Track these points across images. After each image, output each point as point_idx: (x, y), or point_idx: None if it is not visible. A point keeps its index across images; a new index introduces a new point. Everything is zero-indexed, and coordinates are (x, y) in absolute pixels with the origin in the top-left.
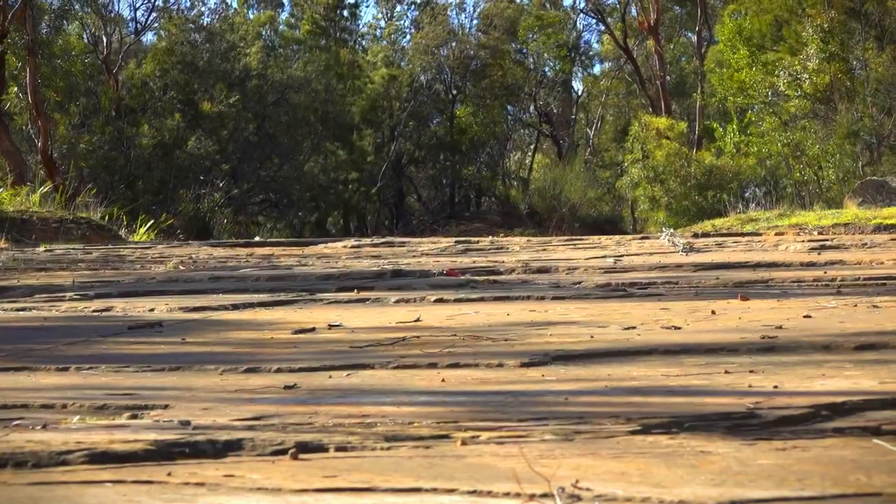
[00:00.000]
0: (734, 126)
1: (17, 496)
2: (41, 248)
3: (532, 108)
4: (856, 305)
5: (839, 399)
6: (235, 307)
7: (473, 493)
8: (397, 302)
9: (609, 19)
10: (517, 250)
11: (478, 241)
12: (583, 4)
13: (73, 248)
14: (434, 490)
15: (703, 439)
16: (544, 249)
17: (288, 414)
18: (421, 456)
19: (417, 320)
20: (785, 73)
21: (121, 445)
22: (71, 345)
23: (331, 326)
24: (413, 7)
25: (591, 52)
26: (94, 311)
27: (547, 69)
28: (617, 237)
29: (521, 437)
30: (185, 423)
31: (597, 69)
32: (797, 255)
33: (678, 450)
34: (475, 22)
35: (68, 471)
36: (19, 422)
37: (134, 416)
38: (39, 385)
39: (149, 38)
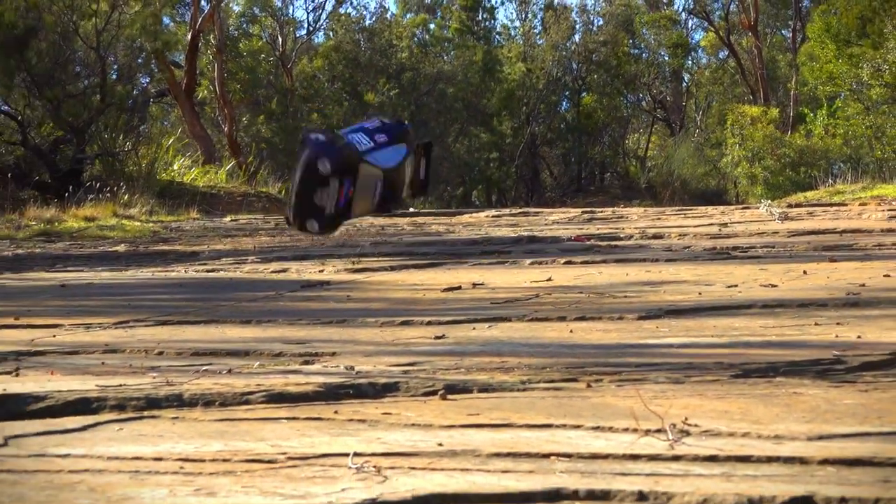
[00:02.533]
0: (823, 111)
1: (207, 430)
2: (227, 218)
3: (648, 95)
4: None
5: None
6: (392, 268)
7: (597, 428)
8: (531, 264)
9: (714, 17)
10: (635, 219)
11: (601, 212)
12: (691, 5)
13: (255, 218)
14: (563, 426)
15: (795, 383)
16: (658, 218)
17: (437, 361)
18: (552, 397)
19: (549, 280)
20: (868, 65)
21: (294, 388)
22: (252, 301)
23: (474, 285)
24: (541, 10)
25: (698, 47)
26: (272, 272)
27: (662, 60)
28: (721, 208)
29: (638, 381)
30: (350, 369)
31: (703, 61)
32: (878, 223)
33: (774, 392)
34: (597, 20)
35: (249, 409)
36: (208, 367)
37: (306, 363)
38: (225, 336)
39: (318, 37)
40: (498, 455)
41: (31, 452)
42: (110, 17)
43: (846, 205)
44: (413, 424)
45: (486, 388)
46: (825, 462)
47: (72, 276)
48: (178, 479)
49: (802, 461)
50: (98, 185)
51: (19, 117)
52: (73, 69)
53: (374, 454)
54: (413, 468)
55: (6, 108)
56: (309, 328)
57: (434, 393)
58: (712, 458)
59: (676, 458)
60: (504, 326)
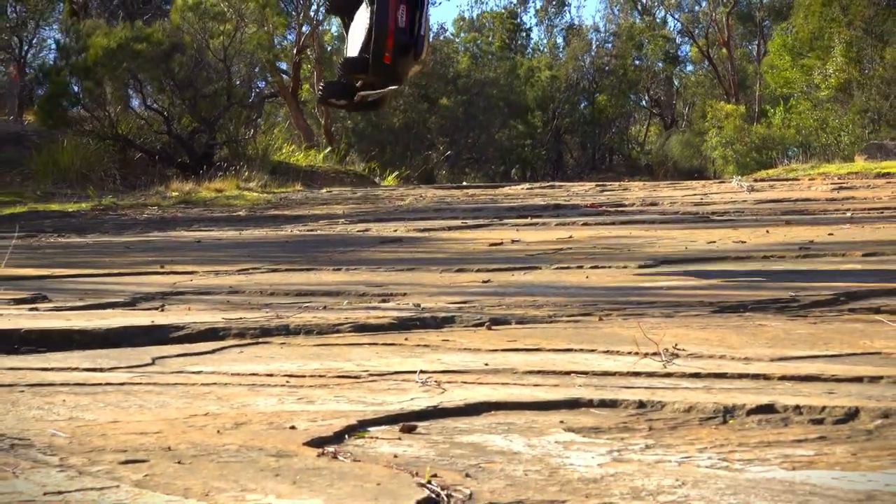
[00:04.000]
0: (781, 108)
1: (306, 353)
2: (323, 190)
3: (646, 96)
4: (863, 227)
5: (852, 289)
6: (450, 228)
7: (607, 352)
8: (556, 225)
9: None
10: (636, 191)
11: (610, 185)
12: (681, 26)
13: (344, 190)
14: (581, 350)
15: (760, 317)
16: (654, 190)
17: (484, 300)
18: (572, 327)
19: (570, 237)
20: (817, 72)
21: (374, 320)
22: (342, 253)
23: (513, 241)
24: (563, 31)
25: (686, 59)
26: (357, 231)
27: (658, 68)
28: (703, 182)
29: (639, 316)
30: (417, 306)
31: (689, 69)
32: (823, 194)
33: (744, 324)
34: (609, 36)
35: (340, 337)
36: (308, 304)
37: (383, 301)
38: (321, 280)
39: None
40: (530, 372)
41: (172, 370)
42: (234, 36)
43: (798, 180)
44: (465, 349)
45: (521, 321)
46: (783, 378)
47: (204, 234)
48: (284, 390)
49: (766, 377)
50: (225, 164)
51: (165, 113)
52: (206, 76)
53: (435, 371)
54: (465, 382)
55: (155, 105)
56: (386, 274)
57: (482, 325)
58: (696, 375)
59: (668, 375)
60: (535, 273)
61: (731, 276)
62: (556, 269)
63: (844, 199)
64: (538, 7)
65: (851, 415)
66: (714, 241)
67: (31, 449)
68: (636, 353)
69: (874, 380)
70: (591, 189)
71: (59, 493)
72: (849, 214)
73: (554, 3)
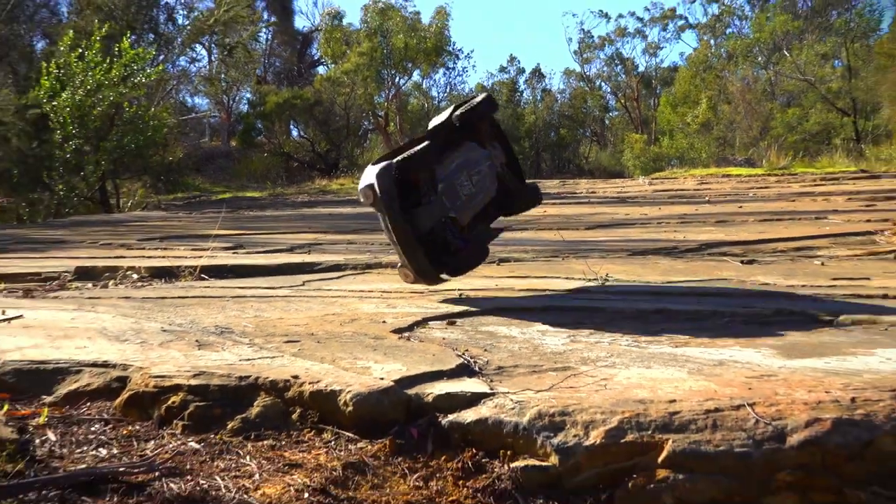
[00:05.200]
0: (667, 137)
1: (393, 279)
2: None
3: (590, 129)
4: (715, 205)
5: (710, 241)
6: None
7: (567, 278)
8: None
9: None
10: (583, 185)
11: (568, 182)
12: (609, 88)
13: None
14: (551, 277)
15: (655, 257)
16: (593, 185)
17: (497, 248)
18: (546, 264)
19: (545, 213)
20: (689, 116)
21: None
22: None
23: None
24: (540, 92)
25: (612, 107)
26: None
27: (596, 113)
28: (622, 180)
29: (585, 257)
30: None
31: (614, 113)
32: (692, 186)
33: (646, 262)
34: (567, 96)
35: None
36: (388, 252)
37: None
38: None
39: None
40: (522, 289)
41: (314, 288)
42: (350, 95)
43: (677, 178)
44: (484, 276)
45: (517, 260)
46: (670, 293)
47: (332, 210)
48: (380, 300)
49: (659, 292)
50: (345, 169)
51: (310, 139)
52: (334, 118)
53: (467, 289)
54: (484, 297)
55: (305, 135)
56: None
57: (493, 262)
58: (618, 291)
59: (603, 291)
60: (526, 233)
61: (641, 231)
62: (537, 230)
63: (704, 190)
64: (527, 78)
65: (710, 314)
66: (628, 214)
67: (232, 334)
68: (583, 279)
69: (722, 294)
70: (557, 184)
71: (249, 359)
72: (707, 198)
73: (536, 77)
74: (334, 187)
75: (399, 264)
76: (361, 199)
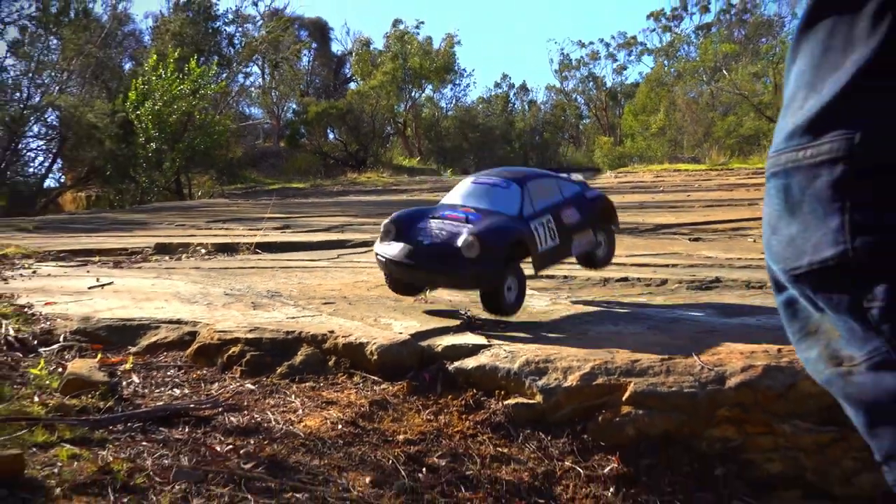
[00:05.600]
0: (630, 139)
1: None
2: (417, 178)
3: (567, 133)
4: (668, 194)
5: (665, 223)
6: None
7: None
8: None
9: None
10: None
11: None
12: (583, 100)
13: (429, 178)
14: None
15: (621, 236)
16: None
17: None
18: None
19: None
20: (649, 122)
21: None
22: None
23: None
24: (528, 103)
25: (585, 115)
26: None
27: (573, 121)
28: (593, 174)
29: None
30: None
31: (587, 121)
32: (650, 178)
33: (618, 241)
34: (550, 106)
35: None
36: None
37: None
38: None
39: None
40: None
41: (346, 260)
42: (375, 105)
43: (637, 173)
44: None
45: None
46: (632, 265)
47: (362, 198)
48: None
49: (623, 263)
50: (371, 165)
51: (343, 141)
52: (363, 124)
53: None
54: None
55: (339, 137)
56: None
57: None
58: None
59: (577, 264)
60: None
61: (619, 216)
62: None
63: (659, 181)
64: (516, 92)
65: (664, 282)
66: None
67: (280, 297)
68: None
69: (674, 266)
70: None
71: (293, 317)
72: (661, 189)
73: (524, 91)
74: (363, 180)
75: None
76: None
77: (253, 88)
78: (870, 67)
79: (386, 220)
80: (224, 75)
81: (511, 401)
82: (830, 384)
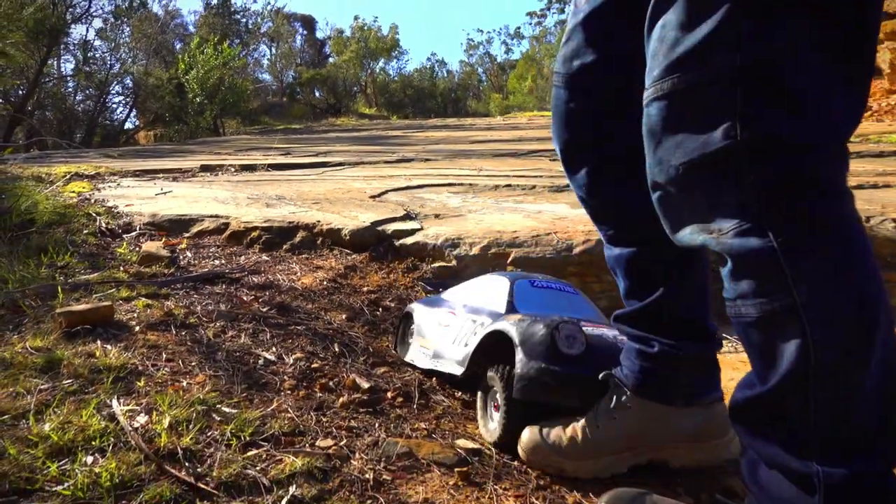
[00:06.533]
0: (513, 96)
1: (374, 171)
2: (377, 120)
3: (472, 92)
4: (539, 129)
5: (533, 149)
6: (410, 127)
7: (460, 169)
8: (451, 128)
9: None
10: (468, 121)
11: (461, 120)
12: (481, 69)
13: (396, 122)
14: (452, 169)
15: (506, 158)
16: (474, 121)
17: (425, 153)
18: (449, 161)
19: (448, 135)
20: (524, 85)
21: (392, 159)
22: (381, 140)
23: (431, 136)
24: (445, 72)
25: (483, 80)
26: (391, 132)
27: (477, 83)
28: (489, 119)
29: (469, 157)
30: (403, 156)
31: (485, 83)
32: (525, 121)
33: (503, 160)
34: (460, 74)
35: (383, 166)
36: (370, 158)
37: (395, 154)
38: (374, 148)
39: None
40: (437, 175)
41: (328, 175)
42: (347, 73)
43: (517, 117)
44: (418, 168)
45: (432, 160)
46: (514, 176)
47: (339, 134)
48: (364, 181)
49: (508, 175)
50: (344, 113)
51: (325, 97)
52: (338, 86)
53: (409, 175)
54: (416, 178)
55: (322, 95)
56: (397, 145)
57: (422, 160)
58: (488, 176)
59: (478, 176)
60: (439, 145)
61: (499, 145)
62: (445, 144)
63: (531, 123)
64: (438, 64)
65: (534, 187)
66: (492, 136)
67: (284, 199)
68: (473, 169)
69: (540, 177)
70: (455, 121)
71: (293, 212)
72: (531, 126)
73: (443, 64)
74: (339, 123)
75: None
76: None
77: (264, 60)
78: (740, 4)
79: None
80: (244, 53)
81: (436, 264)
82: (705, 244)
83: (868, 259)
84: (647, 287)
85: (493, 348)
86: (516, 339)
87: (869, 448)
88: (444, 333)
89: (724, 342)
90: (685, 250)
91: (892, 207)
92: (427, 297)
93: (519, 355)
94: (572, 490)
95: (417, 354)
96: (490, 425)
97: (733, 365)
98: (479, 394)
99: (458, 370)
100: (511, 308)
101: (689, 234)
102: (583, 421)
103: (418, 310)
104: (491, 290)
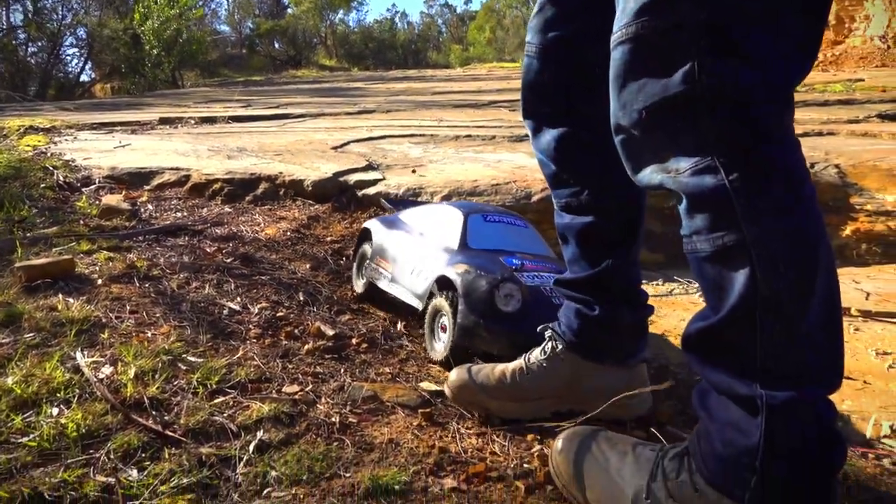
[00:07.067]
0: (473, 47)
1: (335, 122)
2: (339, 72)
3: (432, 44)
4: (499, 81)
5: (493, 100)
6: (382, 78)
7: (422, 120)
8: (395, 79)
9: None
10: (430, 73)
11: (422, 72)
12: (441, 21)
13: (359, 73)
14: (414, 120)
15: (466, 108)
16: (435, 73)
17: (388, 104)
18: (411, 112)
19: (409, 87)
20: (483, 36)
21: (353, 110)
22: (343, 90)
23: (394, 88)
24: (407, 22)
25: (442, 34)
26: (354, 83)
27: (436, 36)
28: (449, 70)
29: (431, 108)
30: (364, 107)
31: (445, 34)
32: (485, 73)
33: (462, 111)
34: (420, 26)
35: (344, 117)
36: (331, 109)
37: (356, 105)
38: (334, 100)
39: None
40: (399, 126)
41: (289, 128)
42: (305, 24)
43: (477, 69)
44: (379, 119)
45: (396, 111)
46: (474, 127)
47: (300, 87)
48: (326, 132)
49: (468, 126)
50: (304, 65)
51: (285, 49)
52: (297, 37)
53: (370, 126)
54: (378, 129)
55: (281, 47)
56: (359, 96)
57: (384, 111)
58: (450, 127)
59: (439, 127)
60: (401, 96)
61: (460, 96)
62: (407, 96)
63: (490, 74)
64: (399, 15)
65: (493, 137)
66: (452, 87)
67: (245, 151)
68: (433, 119)
69: (499, 127)
70: (416, 72)
71: (255, 164)
72: (490, 78)
73: (404, 15)
74: (299, 75)
75: None
76: None
77: (222, 10)
78: None
79: None
80: (200, 3)
81: None
82: (662, 183)
83: (811, 202)
84: (596, 256)
85: (443, 278)
86: (460, 291)
87: (809, 377)
88: (402, 260)
89: (675, 284)
90: (632, 221)
91: (836, 154)
92: (385, 216)
93: (461, 306)
94: (531, 429)
95: (376, 274)
96: (437, 346)
97: (684, 306)
98: (427, 317)
99: (418, 304)
100: (464, 244)
101: (649, 174)
102: (513, 365)
103: (377, 229)
104: (446, 222)
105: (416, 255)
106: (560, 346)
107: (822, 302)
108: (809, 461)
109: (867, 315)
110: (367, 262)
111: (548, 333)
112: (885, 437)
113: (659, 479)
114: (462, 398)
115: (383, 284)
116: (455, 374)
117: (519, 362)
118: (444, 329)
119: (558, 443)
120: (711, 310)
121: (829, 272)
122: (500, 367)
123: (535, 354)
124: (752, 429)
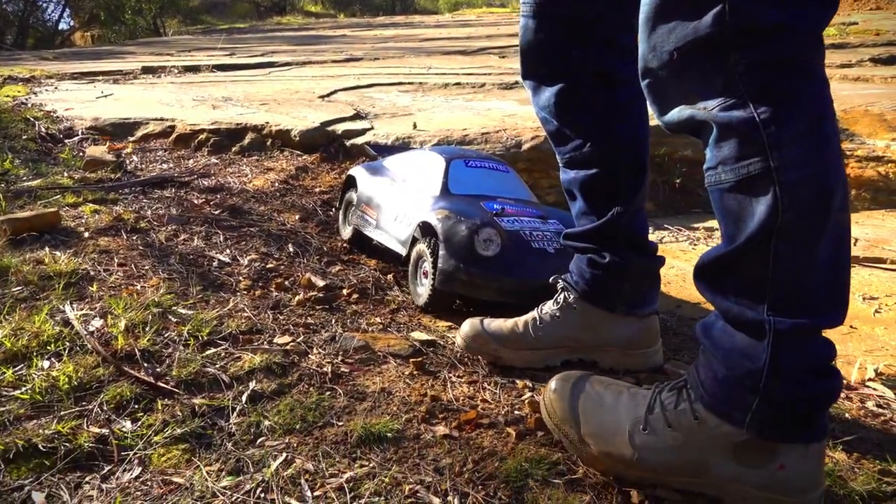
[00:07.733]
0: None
1: (323, 70)
2: (323, 20)
3: None
4: (489, 27)
5: (483, 46)
6: (369, 26)
7: (410, 67)
8: (395, 26)
9: None
10: (417, 19)
11: (409, 18)
12: None
13: (342, 21)
14: (403, 67)
15: (456, 55)
16: (423, 19)
17: (377, 52)
18: (399, 59)
19: (398, 34)
20: None
21: (339, 58)
22: (327, 38)
23: (381, 35)
24: None
25: None
26: (340, 32)
27: None
28: (438, 17)
29: (419, 54)
30: (351, 55)
31: None
32: (475, 18)
33: (452, 58)
34: None
35: (331, 65)
36: (315, 58)
37: (343, 53)
38: (319, 48)
39: None
40: (387, 74)
41: (275, 76)
42: None
43: (466, 14)
44: (368, 67)
45: (382, 59)
46: (463, 74)
47: (285, 34)
48: (313, 81)
49: (458, 73)
50: (289, 12)
51: None
52: None
53: (359, 74)
54: (366, 77)
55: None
56: (347, 43)
57: (374, 59)
58: (439, 74)
59: (428, 74)
60: (389, 43)
61: (448, 42)
62: (395, 42)
63: (480, 20)
64: None
65: (482, 84)
66: (441, 33)
67: (231, 100)
68: (423, 67)
69: (489, 74)
70: (403, 18)
71: (241, 114)
72: (480, 24)
73: None
74: (284, 21)
75: None
76: None
77: None
78: None
79: None
80: None
81: None
82: (693, 116)
83: (834, 136)
84: (602, 207)
85: (425, 224)
86: (440, 236)
87: (815, 308)
88: (386, 207)
89: (665, 232)
90: (636, 171)
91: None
92: (369, 163)
93: (442, 251)
94: (522, 377)
95: (362, 221)
96: (419, 290)
97: (673, 254)
98: (411, 263)
99: (402, 250)
100: (445, 189)
101: (678, 112)
102: (526, 316)
103: (361, 176)
104: (428, 168)
105: (400, 202)
106: (573, 297)
107: (835, 237)
108: (810, 388)
109: (855, 261)
110: (353, 209)
111: (560, 284)
112: (869, 380)
113: (657, 409)
114: (474, 346)
115: (369, 231)
116: (468, 324)
117: (533, 313)
118: (426, 274)
119: (552, 383)
120: (728, 239)
121: (842, 208)
122: (512, 319)
123: (549, 305)
124: (758, 352)
